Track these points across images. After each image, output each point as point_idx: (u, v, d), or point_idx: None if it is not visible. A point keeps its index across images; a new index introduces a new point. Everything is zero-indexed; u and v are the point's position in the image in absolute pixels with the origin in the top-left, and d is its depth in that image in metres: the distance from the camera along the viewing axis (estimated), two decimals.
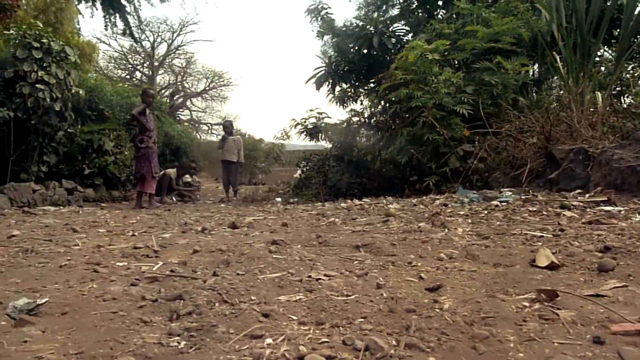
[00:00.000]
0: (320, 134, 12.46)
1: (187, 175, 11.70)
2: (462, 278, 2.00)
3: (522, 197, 4.64)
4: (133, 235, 3.48)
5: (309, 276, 1.96)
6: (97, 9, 15.11)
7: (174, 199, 11.14)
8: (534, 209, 3.73)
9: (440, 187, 7.69)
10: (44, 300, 1.70)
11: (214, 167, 22.98)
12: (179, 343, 1.35)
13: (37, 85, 8.55)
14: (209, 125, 27.57)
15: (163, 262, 2.35)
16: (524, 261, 2.32)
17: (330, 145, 12.61)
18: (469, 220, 3.42)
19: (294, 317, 1.53)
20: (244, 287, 1.83)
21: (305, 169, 12.63)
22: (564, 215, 3.41)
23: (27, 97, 8.52)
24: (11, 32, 9.27)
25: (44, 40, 8.73)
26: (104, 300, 1.75)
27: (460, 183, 7.53)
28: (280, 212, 5.31)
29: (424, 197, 6.04)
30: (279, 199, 10.61)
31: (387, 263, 2.22)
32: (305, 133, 12.47)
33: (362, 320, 1.51)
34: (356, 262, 2.31)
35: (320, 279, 1.93)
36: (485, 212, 3.81)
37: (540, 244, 2.58)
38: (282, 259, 2.34)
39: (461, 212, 3.84)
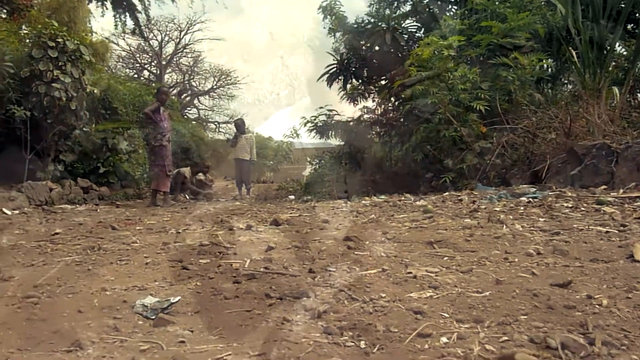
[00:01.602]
0: (330, 132, 12.45)
1: (200, 174, 11.71)
2: (575, 274, 1.99)
3: (550, 193, 4.61)
4: (178, 232, 3.49)
5: (409, 272, 1.95)
6: (107, 9, 15.13)
7: (187, 197, 11.15)
8: (570, 205, 3.71)
9: (457, 184, 7.66)
10: (177, 299, 1.69)
11: (222, 165, 22.96)
12: (354, 343, 1.33)
13: (52, 84, 8.56)
14: (216, 123, 27.58)
15: (249, 259, 2.34)
16: (619, 256, 2.29)
17: (342, 143, 12.60)
18: (511, 216, 3.40)
19: (446, 315, 1.52)
20: (360, 285, 1.82)
21: (317, 167, 12.62)
22: (604, 211, 3.38)
23: (43, 96, 8.53)
24: (26, 31, 9.30)
25: (59, 40, 8.73)
26: (225, 299, 1.74)
27: (477, 180, 7.49)
28: (309, 209, 5.30)
29: (445, 194, 6.02)
30: (292, 197, 10.60)
31: (481, 259, 2.21)
32: (315, 131, 12.47)
33: (525, 317, 1.50)
34: (446, 258, 2.30)
35: (426, 275, 1.92)
36: (522, 208, 3.78)
37: (618, 239, 2.55)
38: (366, 255, 2.34)
39: (497, 209, 3.82)
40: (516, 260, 2.21)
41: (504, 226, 2.96)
